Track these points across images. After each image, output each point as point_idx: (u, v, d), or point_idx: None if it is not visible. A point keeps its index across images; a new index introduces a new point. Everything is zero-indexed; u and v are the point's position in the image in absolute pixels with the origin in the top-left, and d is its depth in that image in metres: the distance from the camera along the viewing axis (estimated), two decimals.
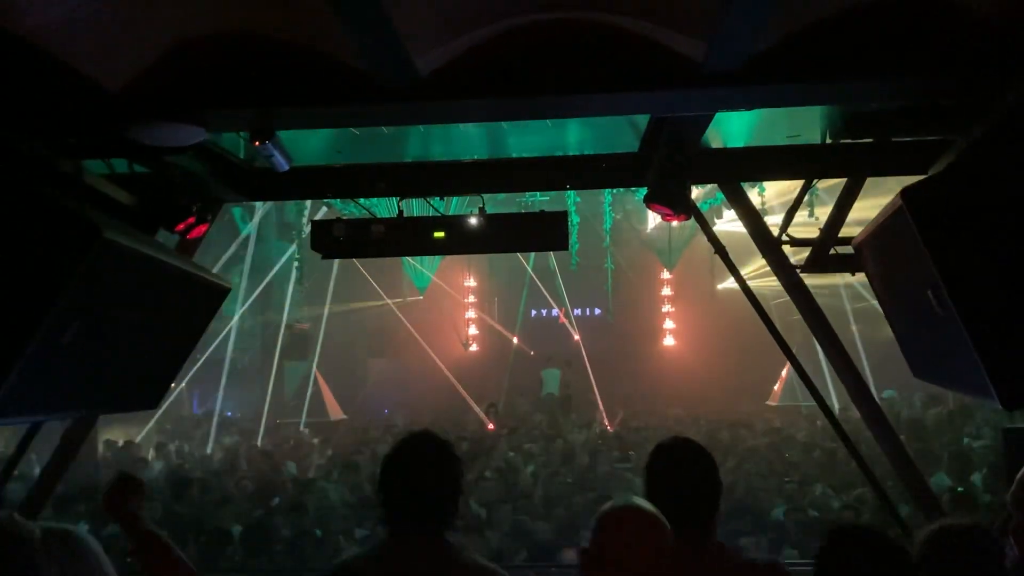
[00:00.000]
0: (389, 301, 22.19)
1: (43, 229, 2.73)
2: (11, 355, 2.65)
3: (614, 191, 17.51)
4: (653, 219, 21.43)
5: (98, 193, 3.70)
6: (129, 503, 3.11)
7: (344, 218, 4.72)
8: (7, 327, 2.66)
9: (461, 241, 4.74)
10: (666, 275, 23.86)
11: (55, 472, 5.11)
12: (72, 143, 3.26)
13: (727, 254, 4.84)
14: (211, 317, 4.16)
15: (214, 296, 4.10)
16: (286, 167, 3.30)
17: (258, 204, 16.33)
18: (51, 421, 4.43)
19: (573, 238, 17.58)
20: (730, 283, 20.10)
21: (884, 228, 2.86)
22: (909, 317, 3.11)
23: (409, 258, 20.61)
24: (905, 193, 2.47)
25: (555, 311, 23.76)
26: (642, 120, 4.12)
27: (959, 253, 2.37)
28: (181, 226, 4.13)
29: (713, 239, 4.86)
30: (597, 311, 24.38)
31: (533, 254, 21.43)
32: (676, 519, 2.46)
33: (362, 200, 5.34)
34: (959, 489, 6.95)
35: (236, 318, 18.92)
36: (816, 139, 4.40)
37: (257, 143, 3.04)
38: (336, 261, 18.93)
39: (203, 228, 4.28)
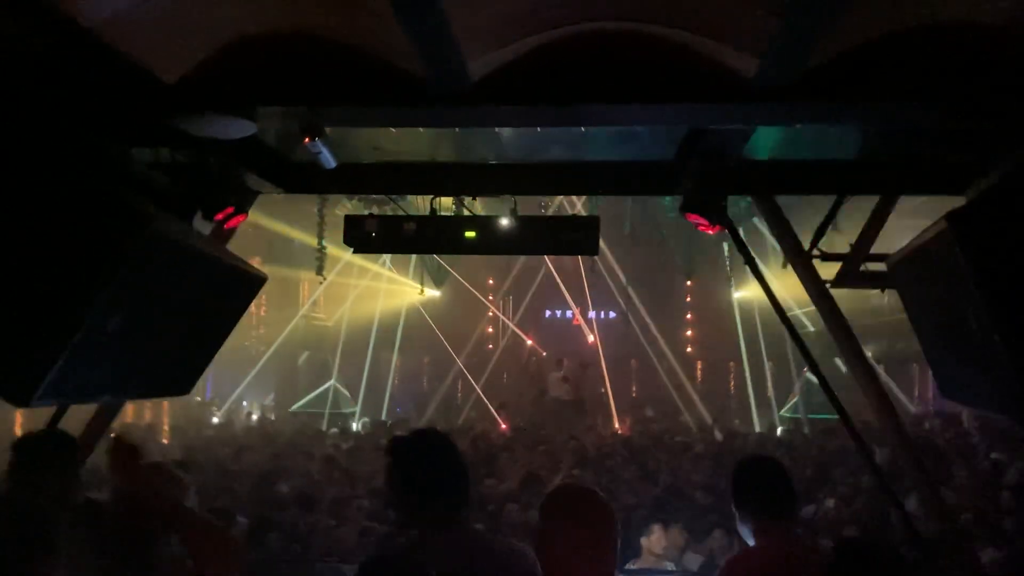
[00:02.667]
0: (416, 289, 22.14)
1: (94, 217, 2.77)
2: (60, 341, 2.70)
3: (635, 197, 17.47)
4: (673, 226, 21.36)
5: (142, 180, 3.76)
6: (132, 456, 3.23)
7: (377, 214, 4.77)
8: (57, 312, 2.71)
9: (492, 241, 4.79)
10: (686, 283, 23.85)
11: (85, 446, 5.14)
12: (123, 132, 3.31)
13: (757, 266, 4.85)
14: (247, 306, 4.21)
15: (251, 285, 4.14)
16: (333, 164, 3.35)
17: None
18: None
19: None
20: (746, 292, 20.12)
21: (924, 249, 2.88)
22: (944, 338, 3.13)
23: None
24: (951, 217, 2.49)
25: (569, 312, 23.71)
26: (678, 129, 4.15)
27: (1004, 278, 2.39)
28: (220, 215, 4.19)
29: (744, 250, 4.88)
30: (612, 314, 24.33)
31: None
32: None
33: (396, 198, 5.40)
34: None
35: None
36: (850, 155, 4.43)
37: (307, 140, 3.09)
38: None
39: (241, 218, 4.35)
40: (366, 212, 5.91)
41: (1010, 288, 2.39)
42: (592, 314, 23.69)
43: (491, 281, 25.50)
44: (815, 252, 4.74)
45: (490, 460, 11.29)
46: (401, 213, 4.98)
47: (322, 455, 11.80)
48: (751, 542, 3.71)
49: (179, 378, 4.01)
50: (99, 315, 2.82)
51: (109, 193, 2.85)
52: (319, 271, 15.45)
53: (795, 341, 4.93)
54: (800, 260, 4.66)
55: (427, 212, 4.92)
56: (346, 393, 20.36)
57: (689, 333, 24.52)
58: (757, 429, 17.03)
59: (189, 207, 4.14)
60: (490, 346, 25.14)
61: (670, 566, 6.90)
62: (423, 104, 2.93)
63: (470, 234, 4.80)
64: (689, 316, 24.60)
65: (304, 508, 8.16)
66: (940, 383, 3.52)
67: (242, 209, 4.28)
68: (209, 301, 3.76)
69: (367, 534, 7.03)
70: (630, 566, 7.07)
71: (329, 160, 3.28)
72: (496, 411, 18.11)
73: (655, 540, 7.05)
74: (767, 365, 20.35)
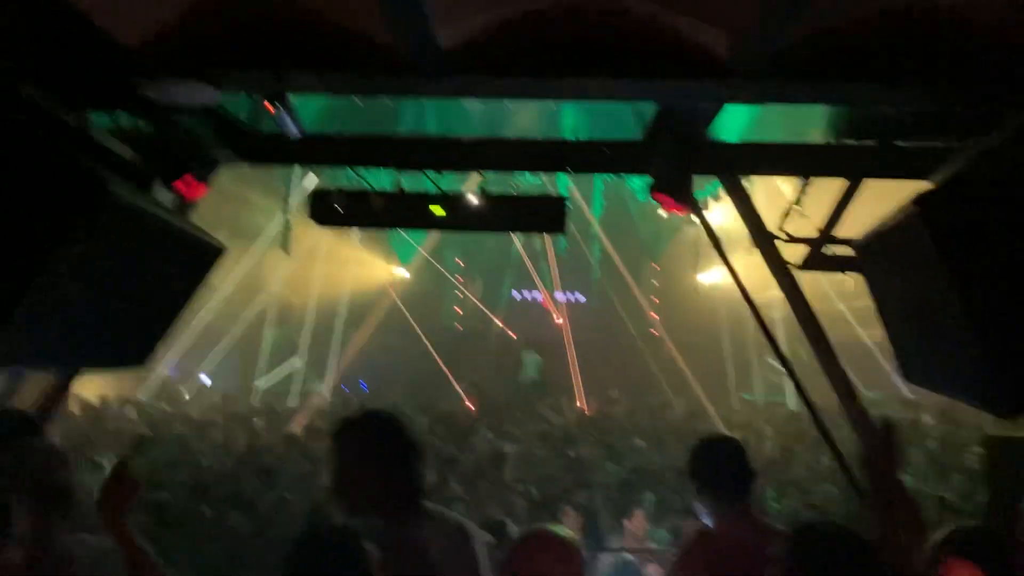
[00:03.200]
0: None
1: (50, 182, 2.69)
2: (11, 304, 2.63)
3: (605, 179, 17.46)
4: (641, 209, 21.40)
5: (100, 146, 3.67)
6: (124, 508, 2.84)
7: (344, 189, 4.70)
8: (9, 276, 2.63)
9: (459, 218, 4.74)
10: (654, 266, 23.92)
11: (41, 422, 5.04)
12: (81, 96, 3.21)
13: (722, 249, 4.86)
14: (206, 276, 4.12)
15: (210, 256, 4.06)
16: (296, 134, 3.28)
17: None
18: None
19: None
20: (713, 275, 20.25)
21: (892, 232, 2.87)
22: (909, 322, 3.14)
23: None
24: (920, 200, 2.48)
25: (538, 294, 23.72)
26: (648, 108, 4.12)
27: (971, 262, 2.39)
28: (181, 184, 4.10)
29: (710, 233, 4.88)
30: (581, 297, 24.38)
31: (519, 236, 21.36)
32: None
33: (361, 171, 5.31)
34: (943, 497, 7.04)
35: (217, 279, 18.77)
36: (819, 138, 4.43)
37: (270, 107, 3.01)
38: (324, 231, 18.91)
39: (202, 188, 4.26)
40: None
41: (976, 272, 2.39)
42: (560, 296, 23.73)
43: (460, 262, 25.41)
44: (781, 235, 4.75)
45: (458, 439, 11.29)
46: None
47: (283, 432, 11.74)
48: (708, 522, 3.73)
49: (136, 349, 3.93)
50: (53, 281, 2.74)
51: (66, 158, 2.76)
52: (284, 246, 15.26)
53: (758, 323, 4.96)
54: (765, 242, 4.66)
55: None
56: (310, 370, 20.21)
57: (655, 316, 24.60)
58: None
59: (149, 175, 4.06)
60: (459, 326, 25.08)
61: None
62: (390, 74, 2.87)
63: (437, 210, 4.74)
64: (655, 299, 24.67)
65: (266, 484, 8.12)
66: (903, 368, 3.53)
67: (202, 178, 4.19)
68: (167, 271, 3.69)
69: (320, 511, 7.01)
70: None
71: (293, 129, 3.22)
72: (464, 391, 18.08)
73: (637, 523, 7.08)
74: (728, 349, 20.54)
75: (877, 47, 2.77)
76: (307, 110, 4.54)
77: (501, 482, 8.29)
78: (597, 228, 20.51)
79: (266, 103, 3.02)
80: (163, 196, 4.18)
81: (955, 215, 2.41)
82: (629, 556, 6.59)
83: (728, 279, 4.77)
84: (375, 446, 3.06)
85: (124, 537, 2.80)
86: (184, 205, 4.51)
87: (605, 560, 6.78)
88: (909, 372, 3.44)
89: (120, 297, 3.34)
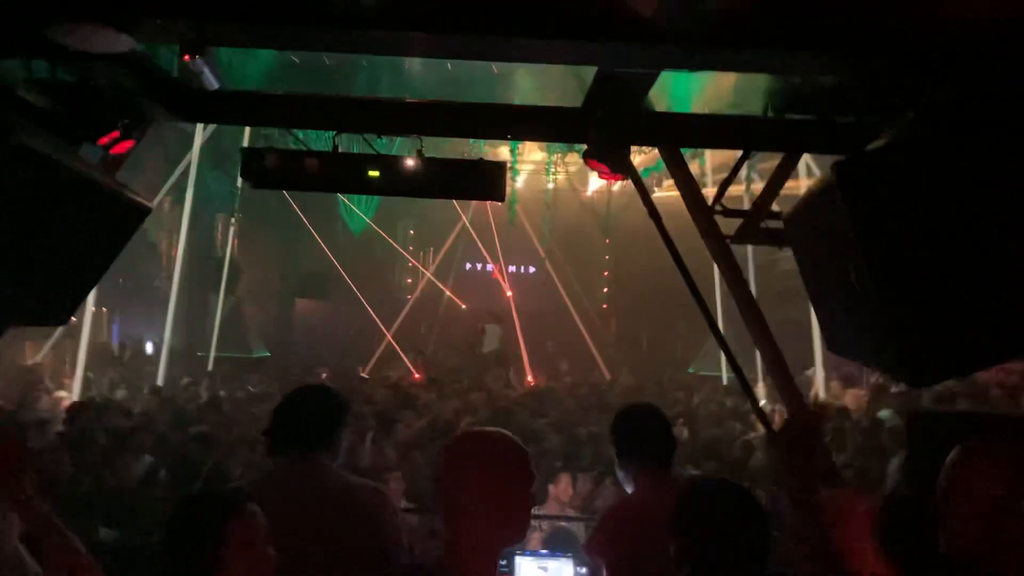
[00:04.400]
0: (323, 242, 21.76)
1: None
2: None
3: (557, 150, 17.42)
4: (595, 182, 21.42)
5: (18, 98, 3.54)
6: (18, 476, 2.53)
7: (276, 148, 4.60)
8: None
9: (396, 182, 4.67)
10: (605, 240, 23.98)
11: None
12: None
13: (661, 220, 4.85)
14: (129, 236, 4.03)
15: (134, 215, 3.97)
16: (216, 86, 3.19)
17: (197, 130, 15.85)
18: None
19: (513, 194, 17.54)
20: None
21: (813, 202, 2.89)
22: (830, 292, 3.17)
23: (345, 199, 20.37)
24: (837, 167, 2.49)
25: (490, 266, 23.69)
26: (589, 75, 4.08)
27: (883, 231, 2.41)
28: (104, 140, 3.96)
29: (648, 203, 4.86)
30: (531, 269, 24.41)
31: (471, 206, 21.28)
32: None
33: (300, 134, 5.22)
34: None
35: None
36: (759, 111, 4.43)
37: (187, 57, 2.92)
38: (274, 195, 18.65)
39: (128, 144, 4.12)
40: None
41: (888, 241, 2.41)
42: (512, 268, 23.74)
43: (411, 232, 25.27)
44: (717, 207, 4.76)
45: (402, 405, 11.26)
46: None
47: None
48: (629, 489, 3.76)
49: (55, 306, 3.84)
50: None
51: None
52: (232, 212, 15.02)
53: (695, 297, 4.98)
54: (703, 215, 4.67)
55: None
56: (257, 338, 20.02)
57: (606, 290, 24.75)
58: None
59: (73, 130, 3.93)
60: (408, 296, 24.98)
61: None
62: (314, 25, 2.80)
63: (373, 173, 4.66)
64: (606, 273, 24.79)
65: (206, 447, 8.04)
66: (826, 339, 3.57)
67: (129, 135, 4.06)
68: (86, 226, 3.59)
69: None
70: (535, 511, 7.12)
71: (212, 81, 3.12)
72: (411, 361, 18.03)
73: (563, 488, 7.12)
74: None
75: (803, 15, 2.76)
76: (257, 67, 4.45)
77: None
78: (548, 198, 20.28)
79: (185, 55, 2.90)
80: (91, 152, 4.07)
81: (870, 183, 2.43)
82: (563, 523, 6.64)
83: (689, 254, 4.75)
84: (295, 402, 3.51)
85: (23, 505, 2.55)
86: (112, 161, 4.39)
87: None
88: (832, 342, 3.48)
89: (34, 250, 3.25)
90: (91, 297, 13.65)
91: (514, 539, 2.42)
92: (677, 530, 2.59)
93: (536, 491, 2.66)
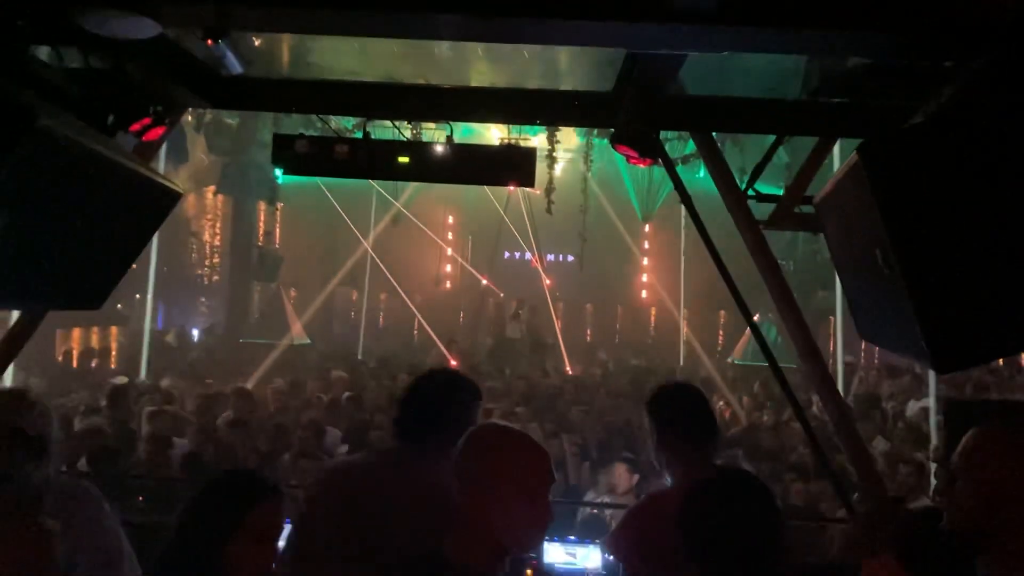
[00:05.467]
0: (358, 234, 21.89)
1: None
2: None
3: (596, 139, 17.32)
4: (633, 169, 21.25)
5: (50, 85, 3.58)
6: None
7: (306, 135, 4.63)
8: None
9: (426, 168, 4.69)
10: (645, 228, 23.83)
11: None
12: (20, 27, 3.12)
13: (693, 206, 4.80)
14: (160, 221, 4.08)
15: (165, 200, 4.01)
16: (238, 70, 3.21)
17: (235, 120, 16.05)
18: None
19: (552, 182, 17.47)
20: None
21: (841, 184, 2.83)
22: (858, 276, 3.10)
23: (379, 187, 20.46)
24: (862, 148, 2.43)
25: (528, 255, 23.68)
26: (620, 59, 4.04)
27: (909, 212, 2.35)
28: (136, 126, 4.01)
29: (680, 187, 4.82)
30: (570, 258, 24.35)
31: (508, 196, 21.25)
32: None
33: (332, 120, 5.25)
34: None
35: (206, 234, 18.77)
36: (790, 95, 4.35)
37: (210, 42, 2.94)
38: (314, 185, 18.84)
39: (160, 131, 4.17)
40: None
41: (914, 223, 2.35)
42: (551, 256, 23.71)
43: (451, 219, 25.32)
44: (750, 192, 4.70)
45: None
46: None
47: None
48: (667, 474, 3.54)
49: (89, 290, 3.89)
50: None
51: None
52: (271, 201, 15.18)
53: (728, 285, 4.92)
54: (735, 199, 4.61)
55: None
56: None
57: (645, 278, 24.60)
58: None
59: (105, 117, 3.98)
60: (447, 285, 25.08)
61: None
62: (340, 8, 2.79)
63: (403, 160, 4.68)
64: (646, 261, 24.64)
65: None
66: (857, 324, 3.50)
67: (161, 121, 4.11)
68: (116, 210, 3.63)
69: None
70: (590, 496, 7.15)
71: (235, 65, 3.14)
72: (446, 347, 18.08)
73: (620, 477, 7.08)
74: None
75: None
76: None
77: None
78: (593, 185, 20.12)
79: (207, 39, 2.92)
80: (124, 139, 4.12)
81: (897, 163, 2.37)
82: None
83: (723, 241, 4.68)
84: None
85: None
86: (145, 147, 4.45)
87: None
88: (862, 327, 3.41)
89: (63, 233, 3.29)
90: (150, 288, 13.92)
91: (526, 541, 2.35)
92: (684, 524, 2.49)
93: (583, 480, 2.68)
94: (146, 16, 2.82)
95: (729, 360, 19.18)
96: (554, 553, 4.35)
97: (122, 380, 12.37)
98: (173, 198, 4.07)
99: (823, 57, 3.58)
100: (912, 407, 10.57)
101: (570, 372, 17.33)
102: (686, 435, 3.47)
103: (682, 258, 20.55)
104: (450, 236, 25.33)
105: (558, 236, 22.65)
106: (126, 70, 3.87)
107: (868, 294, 3.04)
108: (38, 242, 3.14)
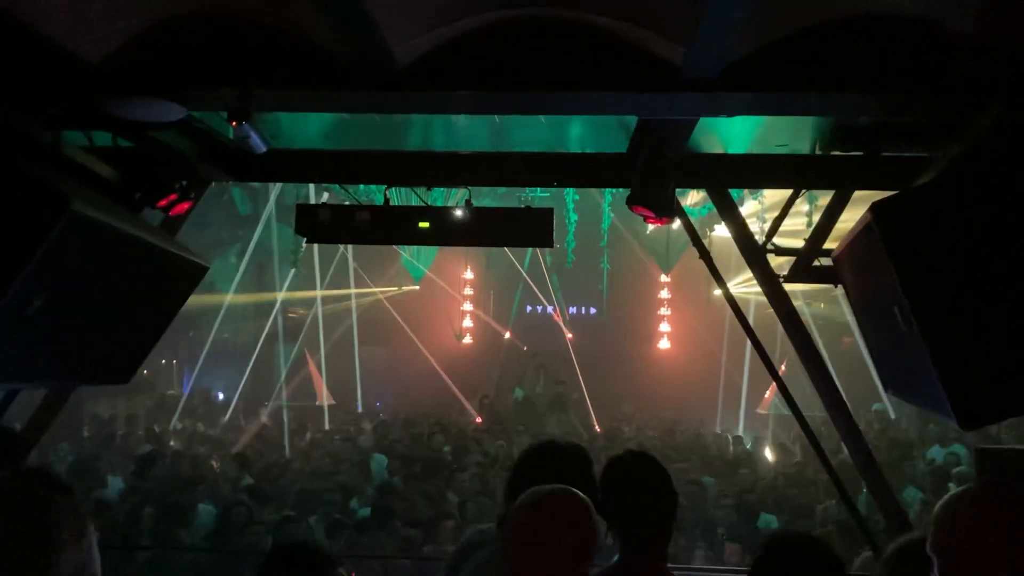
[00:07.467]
0: (377, 290, 22.03)
1: (13, 198, 2.72)
2: None
3: (614, 191, 17.40)
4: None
5: (81, 168, 3.70)
6: None
7: (329, 203, 4.72)
8: None
9: (446, 232, 4.75)
10: (664, 278, 23.78)
11: (30, 438, 5.10)
12: (53, 115, 3.24)
13: (711, 259, 4.84)
14: (187, 296, 4.15)
15: (191, 275, 4.09)
16: (263, 149, 3.30)
17: (258, 186, 16.32)
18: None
19: (570, 236, 17.55)
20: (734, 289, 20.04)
21: (856, 242, 2.86)
22: (879, 331, 3.11)
23: (404, 250, 20.66)
24: (874, 208, 2.46)
25: (550, 308, 23.70)
26: (633, 121, 4.11)
27: (923, 270, 2.37)
28: (163, 202, 4.12)
29: (698, 243, 4.86)
30: (592, 310, 24.34)
31: (529, 250, 21.34)
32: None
33: (351, 187, 5.35)
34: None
35: (229, 297, 18.97)
36: (807, 150, 4.40)
37: (234, 124, 3.03)
38: (337, 248, 19.03)
39: (186, 206, 4.27)
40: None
41: (930, 281, 2.37)
42: (572, 309, 23.71)
43: (471, 275, 25.43)
44: (769, 247, 4.72)
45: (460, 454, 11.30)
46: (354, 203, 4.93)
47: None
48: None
49: (117, 365, 3.96)
50: (19, 296, 2.77)
51: (28, 174, 2.79)
52: (294, 263, 15.34)
53: (750, 338, 4.92)
54: (755, 254, 4.64)
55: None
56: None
57: (668, 329, 24.47)
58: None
59: (134, 195, 4.09)
60: (469, 341, 25.08)
61: None
62: (348, 88, 2.89)
63: (424, 225, 4.75)
64: (668, 312, 24.53)
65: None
66: (881, 377, 3.50)
67: (187, 196, 4.21)
68: (144, 287, 3.71)
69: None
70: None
71: (259, 144, 3.23)
72: (477, 405, 17.97)
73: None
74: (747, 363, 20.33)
75: (836, 54, 2.76)
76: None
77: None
78: (605, 240, 20.16)
79: (232, 121, 3.02)
80: (151, 215, 4.22)
81: (909, 222, 2.39)
82: None
83: (746, 291, 4.71)
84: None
85: None
86: (171, 222, 4.55)
87: None
88: (886, 382, 3.41)
89: (94, 311, 3.37)
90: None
91: None
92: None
93: None
94: (171, 101, 2.92)
95: (758, 411, 18.98)
96: None
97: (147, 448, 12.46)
98: (200, 272, 4.15)
99: (832, 116, 3.62)
100: (938, 452, 10.43)
101: (598, 429, 17.15)
102: (634, 523, 3.01)
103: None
104: (470, 291, 25.42)
105: (581, 289, 22.69)
106: (151, 148, 3.99)
107: (890, 349, 3.04)
108: (69, 321, 3.22)
